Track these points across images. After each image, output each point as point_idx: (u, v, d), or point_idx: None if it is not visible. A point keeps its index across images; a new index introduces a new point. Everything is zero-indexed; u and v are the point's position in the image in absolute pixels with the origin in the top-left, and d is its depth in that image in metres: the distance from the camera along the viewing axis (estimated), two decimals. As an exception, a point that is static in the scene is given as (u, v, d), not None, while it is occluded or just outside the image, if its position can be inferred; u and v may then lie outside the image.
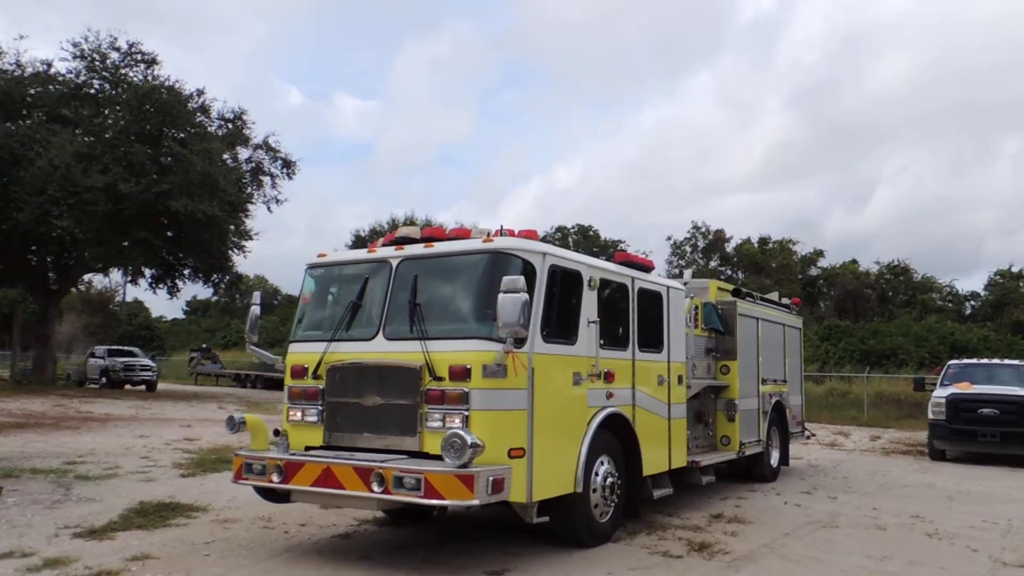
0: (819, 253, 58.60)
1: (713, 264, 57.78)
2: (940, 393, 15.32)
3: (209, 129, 33.01)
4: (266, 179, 35.07)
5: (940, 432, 14.92)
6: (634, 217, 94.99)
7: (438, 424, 5.96)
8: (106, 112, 31.59)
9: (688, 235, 59.11)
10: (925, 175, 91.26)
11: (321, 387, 6.65)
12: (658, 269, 8.75)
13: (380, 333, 6.49)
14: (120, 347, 38.89)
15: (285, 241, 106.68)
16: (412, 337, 6.21)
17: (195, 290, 69.40)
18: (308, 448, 6.60)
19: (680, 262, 57.30)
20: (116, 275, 42.05)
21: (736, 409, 10.17)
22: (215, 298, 64.87)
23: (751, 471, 11.19)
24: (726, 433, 10.21)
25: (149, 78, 31.73)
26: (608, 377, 7.21)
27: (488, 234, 6.71)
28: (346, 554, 6.68)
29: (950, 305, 53.86)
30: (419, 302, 6.32)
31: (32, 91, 30.85)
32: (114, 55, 31.68)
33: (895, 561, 6.78)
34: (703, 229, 58.42)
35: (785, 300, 13.22)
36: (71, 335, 59.98)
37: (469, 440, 5.46)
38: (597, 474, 6.96)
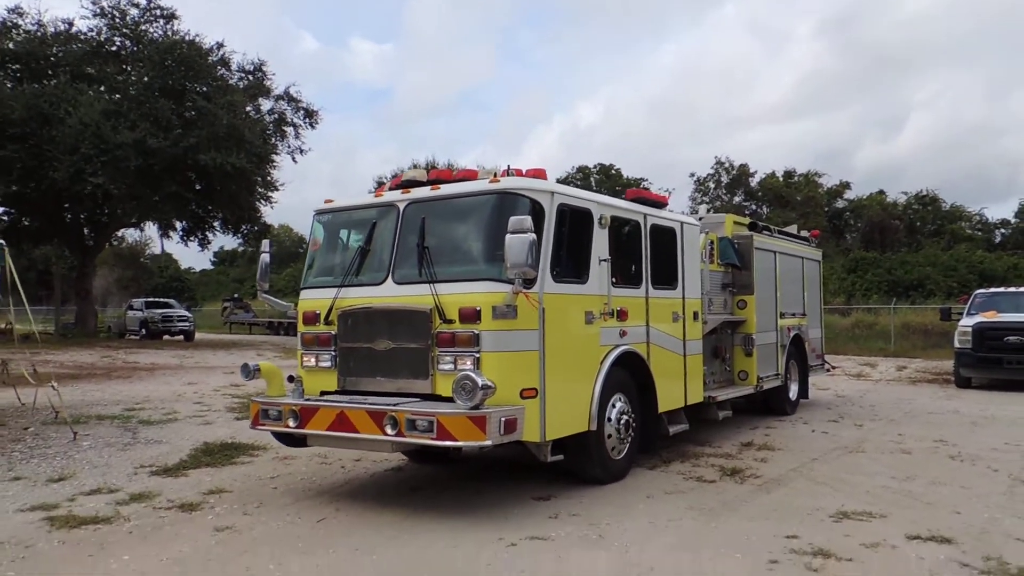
0: (845, 185, 57.97)
1: (737, 199, 57.42)
2: (966, 322, 15.52)
3: (231, 82, 33.19)
4: (289, 130, 35.35)
5: (966, 360, 15.18)
6: (659, 154, 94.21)
7: (449, 367, 5.98)
8: (129, 69, 31.86)
9: (712, 171, 58.69)
10: (960, 101, 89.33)
11: (333, 332, 6.69)
12: (681, 206, 8.88)
13: (390, 277, 6.48)
14: (157, 299, 39.88)
15: (309, 190, 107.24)
16: (421, 280, 6.20)
17: (223, 241, 70.52)
18: (323, 393, 6.69)
19: (704, 198, 56.99)
20: (149, 229, 42.70)
21: (753, 344, 10.22)
22: (242, 248, 65.85)
23: (770, 405, 11.28)
24: (743, 368, 10.26)
25: (169, 33, 31.86)
26: (621, 315, 7.17)
27: (495, 174, 6.64)
28: (398, 485, 7.20)
29: (979, 234, 53.27)
30: (427, 245, 6.29)
31: (56, 51, 31.13)
32: (133, 11, 31.83)
33: (918, 481, 7.17)
34: (726, 164, 57.88)
35: (804, 232, 13.19)
36: (105, 289, 61.31)
37: (480, 382, 5.46)
38: (611, 412, 7.00)
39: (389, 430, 5.70)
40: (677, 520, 5.88)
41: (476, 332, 5.90)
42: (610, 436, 6.98)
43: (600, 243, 6.93)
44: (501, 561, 4.95)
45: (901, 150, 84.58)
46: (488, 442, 5.48)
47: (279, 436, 6.74)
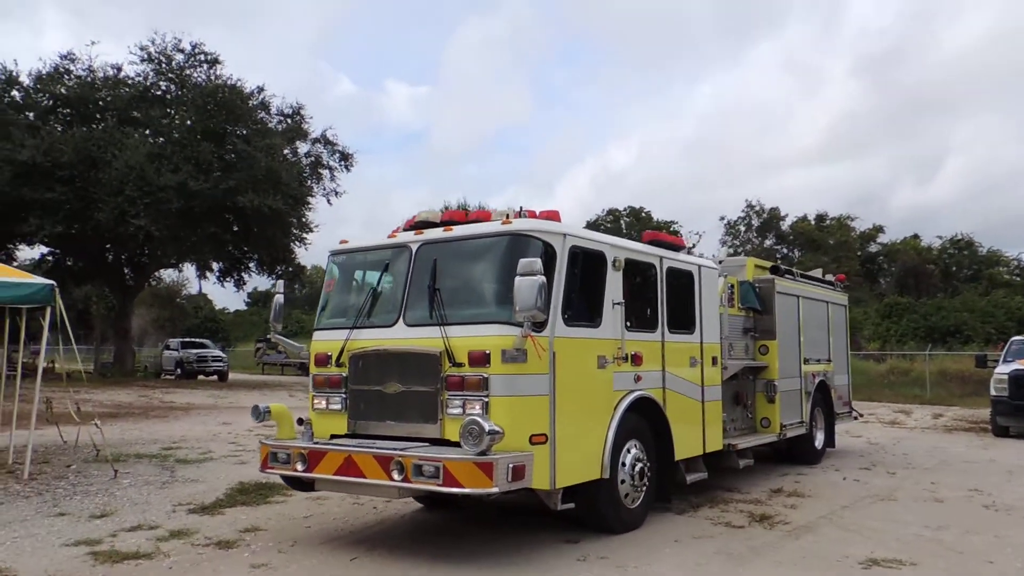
0: (879, 229, 57.62)
1: (768, 243, 57.25)
2: (1002, 369, 15.29)
3: (269, 125, 34.19)
4: (325, 172, 36.20)
5: (1003, 408, 14.92)
6: (690, 196, 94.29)
7: (458, 411, 5.87)
8: (173, 112, 32.99)
9: (742, 214, 58.63)
10: (998, 143, 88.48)
11: (344, 375, 6.61)
12: (712, 249, 8.93)
13: (401, 319, 6.40)
14: (192, 339, 40.58)
15: (343, 231, 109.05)
16: (432, 323, 6.12)
17: (256, 281, 71.78)
18: (333, 436, 6.60)
19: (734, 242, 56.94)
20: (186, 270, 43.69)
21: (776, 390, 9.92)
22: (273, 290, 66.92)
23: (794, 453, 10.94)
24: (766, 415, 9.95)
25: (212, 77, 33.02)
26: (635, 360, 7.03)
27: (507, 216, 6.58)
28: (429, 526, 7.31)
29: (1018, 279, 52.35)
30: (439, 287, 6.23)
31: (104, 95, 32.38)
32: (179, 56, 33.04)
33: (951, 530, 7.10)
34: (757, 208, 57.81)
35: (830, 276, 12.94)
36: (142, 328, 62.49)
37: (487, 427, 5.36)
38: (625, 459, 6.83)
39: (396, 475, 5.61)
40: (704, 565, 5.92)
41: (485, 376, 5.80)
42: (623, 483, 6.80)
43: (614, 286, 6.85)
44: (530, 603, 5.04)
45: (937, 193, 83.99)
46: (495, 489, 5.36)
47: (288, 480, 6.67)
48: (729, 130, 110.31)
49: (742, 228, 58.80)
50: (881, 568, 5.80)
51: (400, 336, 6.35)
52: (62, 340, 10.08)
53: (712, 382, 8.35)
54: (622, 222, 60.93)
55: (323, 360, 6.82)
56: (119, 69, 33.12)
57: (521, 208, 6.81)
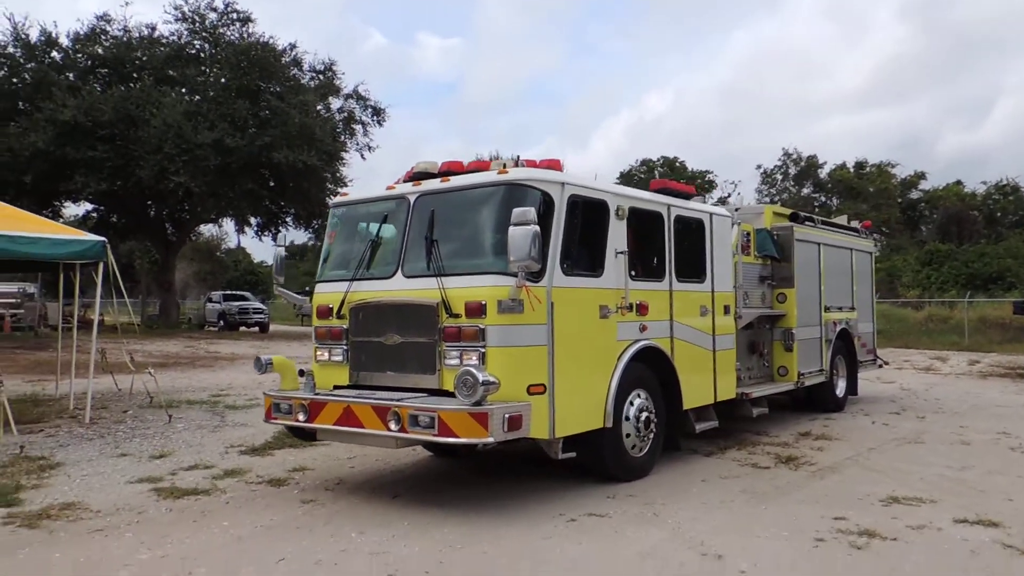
0: (920, 176, 56.27)
1: (806, 191, 56.35)
2: (1040, 315, 15.18)
3: (302, 82, 34.39)
4: (358, 127, 36.41)
5: (1039, 354, 14.83)
6: (728, 145, 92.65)
7: (456, 361, 5.88)
8: (207, 71, 33.31)
9: (779, 163, 57.64)
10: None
11: (345, 327, 6.64)
12: (748, 199, 8.87)
13: (399, 271, 6.40)
14: (233, 292, 41.56)
15: (377, 185, 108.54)
16: (429, 274, 6.11)
17: (293, 235, 72.76)
18: (336, 387, 6.64)
19: (771, 190, 56.12)
20: (225, 224, 44.53)
21: (794, 338, 9.84)
22: (312, 243, 67.88)
23: (815, 402, 10.92)
24: (783, 363, 9.89)
25: (244, 35, 33.20)
26: (641, 309, 6.95)
27: (504, 165, 6.50)
28: (463, 467, 7.67)
29: (1065, 224, 50.96)
30: (436, 238, 6.21)
31: (140, 55, 32.77)
32: (212, 15, 33.25)
33: (974, 470, 7.27)
34: (794, 156, 56.74)
35: (855, 223, 12.76)
36: (184, 282, 64.00)
37: (481, 378, 5.36)
38: (630, 409, 6.80)
39: (393, 425, 5.66)
40: (729, 502, 6.19)
41: (482, 327, 5.80)
42: (628, 435, 6.79)
43: (617, 235, 6.75)
44: (560, 533, 5.36)
45: (986, 137, 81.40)
46: (490, 439, 5.42)
47: (292, 430, 6.78)
48: (768, 77, 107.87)
49: (779, 177, 57.85)
50: (901, 505, 6.01)
51: (398, 288, 6.36)
52: (115, 294, 10.54)
53: (724, 331, 8.26)
54: (656, 172, 60.32)
55: (324, 312, 6.87)
56: (154, 29, 33.47)
57: (518, 157, 6.77)
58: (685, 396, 7.42)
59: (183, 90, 32.06)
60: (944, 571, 4.65)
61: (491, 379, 5.44)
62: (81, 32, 32.08)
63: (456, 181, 6.46)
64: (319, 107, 34.19)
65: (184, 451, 8.31)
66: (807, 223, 10.77)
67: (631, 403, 6.83)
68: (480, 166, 6.70)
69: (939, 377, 16.43)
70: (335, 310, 6.72)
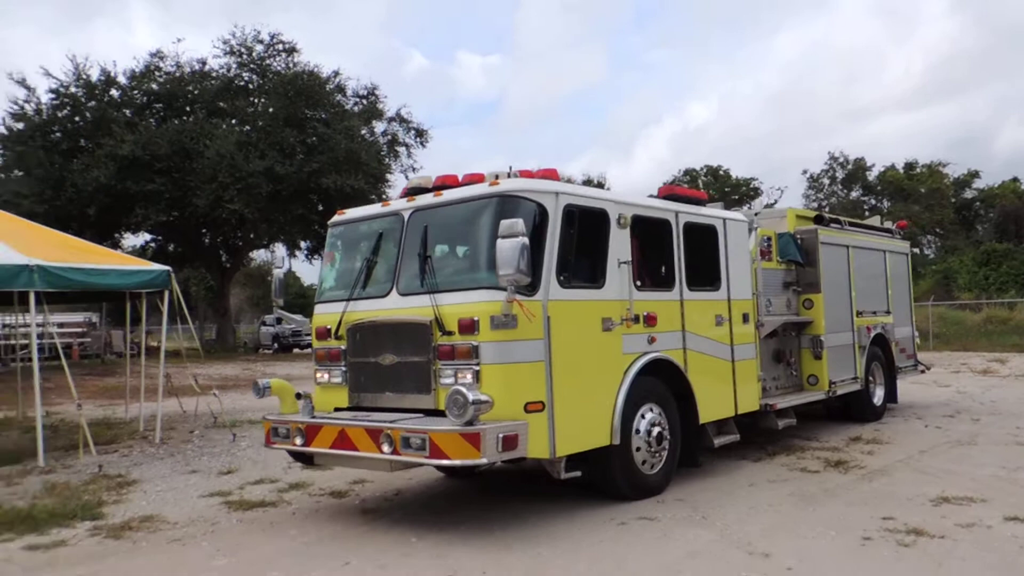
0: (974, 174, 54.90)
1: (854, 195, 55.44)
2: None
3: (346, 107, 35.29)
4: (402, 149, 37.16)
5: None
6: (773, 151, 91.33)
7: (451, 380, 5.71)
8: (256, 101, 34.44)
9: (825, 167, 56.85)
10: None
11: (344, 348, 6.52)
12: (794, 203, 8.74)
13: (394, 289, 6.27)
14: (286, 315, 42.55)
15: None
16: (423, 291, 5.99)
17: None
18: (337, 409, 6.53)
19: (817, 195, 55.39)
20: (277, 249, 45.72)
21: (823, 346, 9.43)
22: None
23: (851, 411, 10.43)
24: (813, 372, 9.49)
25: (290, 65, 34.25)
26: (649, 321, 6.73)
27: (496, 177, 6.29)
28: (516, 477, 7.88)
29: None
30: (429, 254, 6.11)
31: (192, 89, 34.03)
32: (259, 47, 34.37)
33: (1028, 471, 7.25)
34: (841, 159, 55.93)
35: (889, 224, 12.34)
36: (237, 306, 65.72)
37: (471, 397, 5.17)
38: (640, 424, 6.56)
39: (386, 448, 5.53)
40: (777, 505, 6.31)
41: (475, 344, 5.63)
42: (639, 449, 6.54)
43: (619, 245, 6.56)
44: (611, 536, 5.57)
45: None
46: (483, 460, 5.27)
47: (292, 454, 6.65)
48: (813, 81, 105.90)
49: (826, 181, 57.04)
50: (951, 505, 6.06)
51: (393, 306, 6.22)
52: (179, 320, 11.08)
53: (744, 340, 7.98)
54: (700, 182, 60.02)
55: (323, 333, 6.73)
56: (204, 63, 34.69)
57: (511, 168, 6.56)
58: (702, 409, 7.17)
59: (234, 121, 33.18)
60: (990, 566, 4.72)
61: (482, 398, 5.25)
62: (137, 70, 33.45)
63: (448, 195, 6.31)
64: (363, 131, 35.02)
65: (249, 467, 8.72)
66: (833, 225, 10.42)
67: (641, 418, 6.60)
68: (474, 179, 6.43)
69: (997, 380, 16.11)
70: (333, 331, 6.61)
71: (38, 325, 10.01)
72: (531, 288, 5.72)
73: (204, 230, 35.60)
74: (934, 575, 4.62)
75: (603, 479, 6.49)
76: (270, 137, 30.86)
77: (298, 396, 6.61)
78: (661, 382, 6.88)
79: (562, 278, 6.00)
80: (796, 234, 9.78)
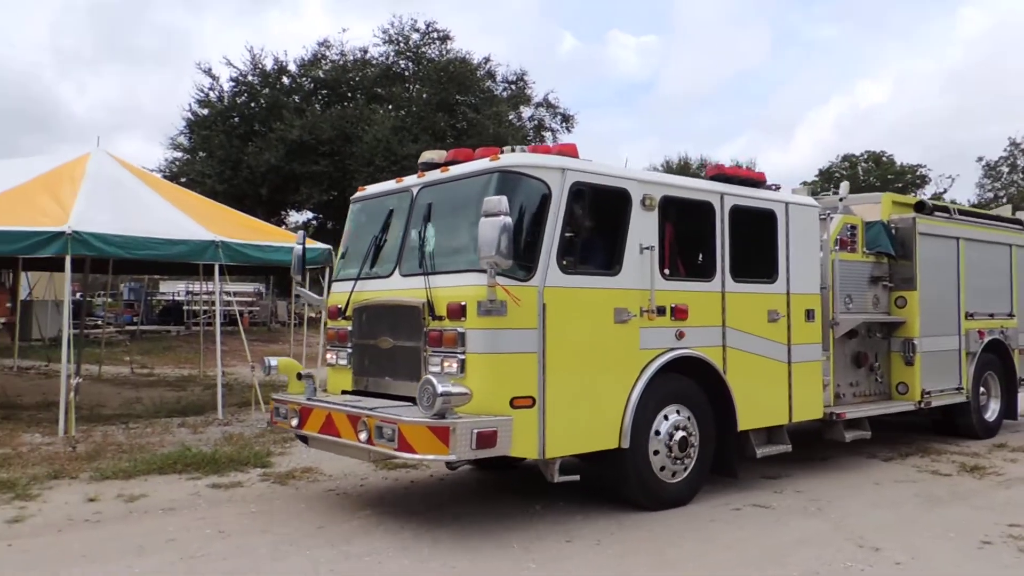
0: None
1: (1037, 185, 50.69)
2: None
3: (495, 93, 36.31)
4: (548, 135, 37.75)
5: None
6: (950, 136, 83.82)
7: (438, 368, 5.40)
8: (410, 88, 36.12)
9: (1004, 153, 52.29)
10: None
11: (350, 328, 6.38)
12: (965, 194, 7.74)
13: (397, 269, 6.06)
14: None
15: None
16: (421, 272, 5.72)
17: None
18: (344, 392, 6.41)
19: (993, 184, 51.11)
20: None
21: (916, 350, 8.40)
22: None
23: (956, 425, 9.30)
24: (903, 379, 8.45)
25: (443, 52, 35.66)
26: (677, 313, 6.14)
27: (501, 151, 5.86)
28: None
29: None
30: (430, 233, 5.85)
31: (354, 76, 36.18)
32: (415, 36, 35.96)
33: None
34: (1023, 146, 51.21)
35: (1022, 215, 11.05)
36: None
37: (439, 389, 4.86)
38: (661, 427, 6.02)
39: (362, 436, 5.32)
40: (899, 504, 6.32)
41: (461, 331, 5.30)
42: (657, 454, 5.99)
43: (643, 228, 5.98)
44: (724, 519, 5.85)
45: None
46: (451, 456, 5.01)
47: (296, 435, 6.51)
48: (1000, 59, 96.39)
49: (1005, 169, 52.49)
50: (1091, 519, 5.85)
51: (395, 287, 6.00)
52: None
53: (806, 339, 7.21)
54: (859, 167, 56.87)
55: (334, 313, 6.61)
56: (365, 51, 36.72)
57: (513, 147, 6.02)
58: (742, 414, 6.50)
59: (390, 107, 34.98)
60: (1118, 581, 4.62)
61: (453, 389, 4.95)
62: (305, 58, 35.96)
63: (454, 171, 5.97)
64: (511, 116, 35.93)
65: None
66: (938, 214, 9.28)
67: (664, 420, 6.06)
68: (487, 153, 5.93)
69: None
70: (343, 311, 6.45)
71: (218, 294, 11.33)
72: (526, 272, 5.34)
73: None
74: (1052, 584, 4.60)
75: (615, 484, 6.08)
76: (423, 122, 32.34)
77: (299, 376, 6.53)
78: (694, 382, 6.35)
79: (565, 263, 5.55)
80: (891, 223, 8.74)
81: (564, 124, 37.74)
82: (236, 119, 34.17)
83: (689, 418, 6.23)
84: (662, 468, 6.03)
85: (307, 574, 4.73)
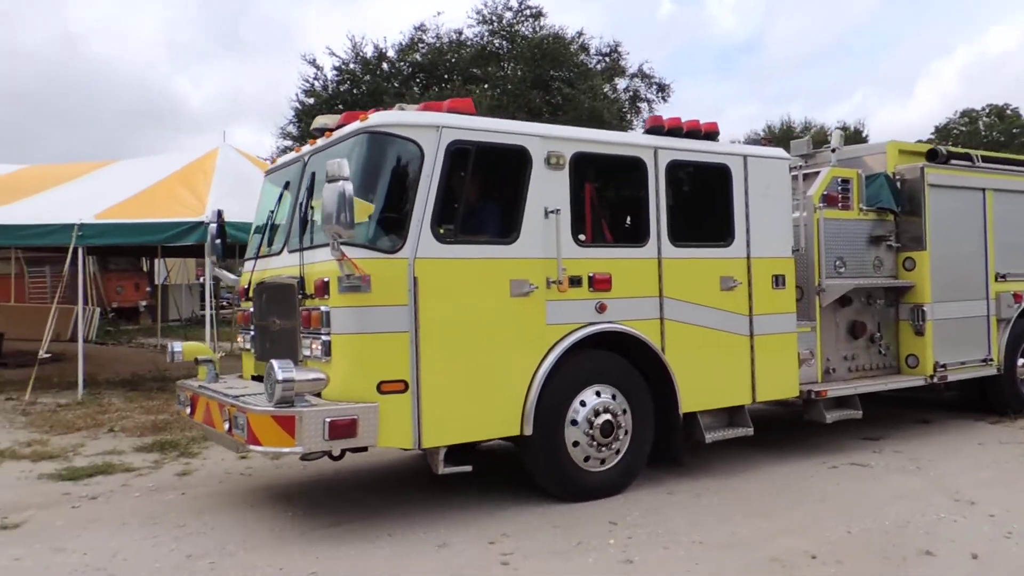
0: None
1: None
2: None
3: (589, 67, 36.29)
4: (643, 105, 37.48)
5: None
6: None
7: (308, 352, 5.05)
8: (505, 67, 36.58)
9: None
10: None
11: (251, 310, 6.06)
12: None
13: (285, 246, 5.69)
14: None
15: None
16: (300, 248, 5.35)
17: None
18: (252, 378, 6.07)
19: None
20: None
21: (925, 318, 7.48)
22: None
23: (988, 400, 8.42)
24: (913, 351, 7.56)
25: (537, 29, 35.89)
26: (597, 284, 5.52)
27: (400, 108, 5.34)
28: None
29: None
30: (313, 204, 5.32)
31: (450, 58, 36.96)
32: (508, 15, 36.31)
33: None
34: None
35: None
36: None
37: (280, 375, 4.45)
38: (578, 412, 5.40)
39: (227, 426, 4.97)
40: (1002, 463, 6.41)
41: (325, 309, 4.89)
42: (576, 444, 5.39)
43: (547, 189, 5.36)
44: (822, 475, 6.14)
45: None
46: (297, 448, 4.52)
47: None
48: None
49: None
50: None
51: (281, 265, 5.65)
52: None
53: (774, 309, 6.42)
54: (980, 123, 53.55)
55: (241, 293, 6.32)
56: (460, 33, 37.34)
57: (399, 105, 5.43)
58: (685, 395, 5.82)
59: (486, 86, 35.57)
60: None
61: (297, 376, 4.54)
62: (402, 43, 36.98)
63: (336, 135, 5.43)
64: (606, 88, 35.87)
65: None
66: (955, 162, 8.09)
67: (581, 404, 5.44)
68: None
69: None
70: (247, 291, 6.17)
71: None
72: (393, 243, 4.86)
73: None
74: None
75: (533, 470, 5.47)
76: (518, 100, 32.75)
77: (196, 361, 6.17)
78: (626, 361, 5.71)
79: (443, 231, 5.01)
80: (895, 175, 7.73)
81: (660, 94, 37.33)
82: (340, 106, 35.60)
83: (616, 399, 5.58)
84: (585, 458, 5.45)
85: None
